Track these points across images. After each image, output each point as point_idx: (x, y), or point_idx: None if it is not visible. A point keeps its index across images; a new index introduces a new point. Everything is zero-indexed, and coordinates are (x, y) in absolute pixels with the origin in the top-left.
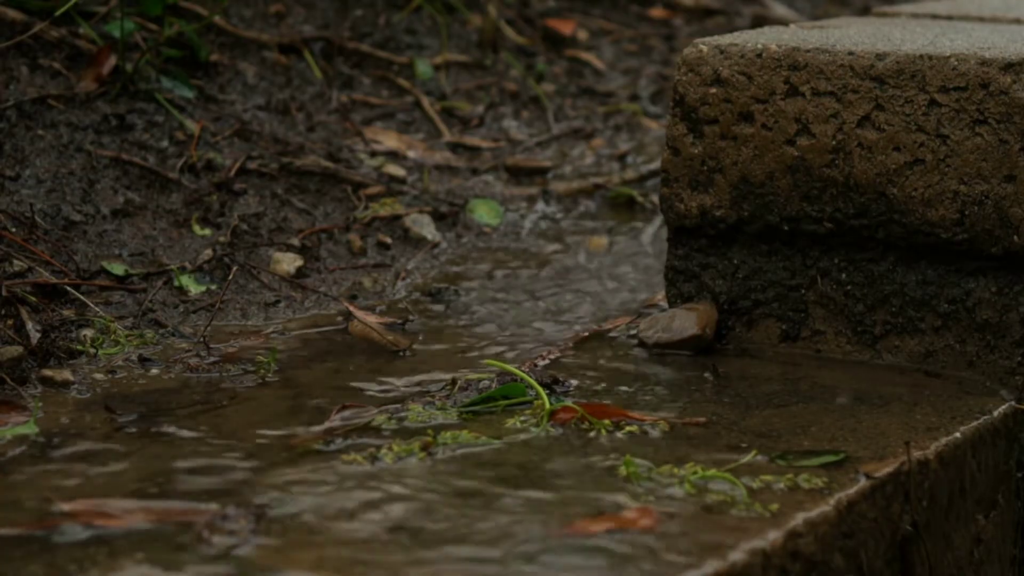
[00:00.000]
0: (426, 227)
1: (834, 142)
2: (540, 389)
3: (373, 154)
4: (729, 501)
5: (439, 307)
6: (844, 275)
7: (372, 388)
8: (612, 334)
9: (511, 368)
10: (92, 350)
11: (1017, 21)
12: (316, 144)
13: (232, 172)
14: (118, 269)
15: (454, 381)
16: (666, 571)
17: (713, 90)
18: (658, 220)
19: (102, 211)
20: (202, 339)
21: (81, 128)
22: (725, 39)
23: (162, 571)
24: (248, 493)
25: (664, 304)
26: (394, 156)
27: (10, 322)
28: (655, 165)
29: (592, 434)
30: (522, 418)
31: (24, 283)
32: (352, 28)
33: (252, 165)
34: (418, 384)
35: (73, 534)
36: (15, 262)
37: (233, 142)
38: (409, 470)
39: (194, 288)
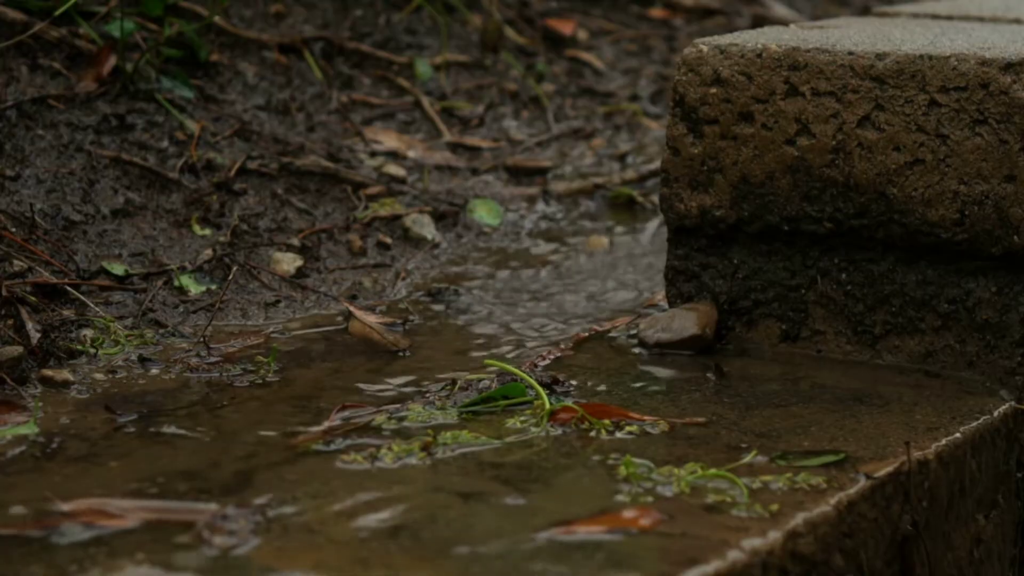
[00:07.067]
0: (426, 227)
1: (834, 142)
2: (540, 389)
3: (373, 154)
4: (729, 501)
5: (439, 307)
6: (844, 275)
7: (372, 388)
8: (612, 334)
9: (511, 368)
10: (92, 350)
11: (1017, 21)
12: (316, 144)
13: (232, 172)
14: (118, 269)
15: (454, 381)
16: (666, 571)
17: (713, 90)
18: (658, 220)
19: (102, 211)
20: (202, 339)
21: (81, 128)
22: (725, 39)
23: (162, 571)
24: (248, 493)
25: (664, 304)
26: (394, 156)
27: (10, 322)
28: (655, 165)
29: (592, 434)
30: (522, 418)
31: (24, 283)
32: (352, 28)
33: (252, 165)
34: (418, 384)
35: (73, 534)
36: (15, 262)
37: (233, 142)
38: (409, 470)
39: (194, 288)
